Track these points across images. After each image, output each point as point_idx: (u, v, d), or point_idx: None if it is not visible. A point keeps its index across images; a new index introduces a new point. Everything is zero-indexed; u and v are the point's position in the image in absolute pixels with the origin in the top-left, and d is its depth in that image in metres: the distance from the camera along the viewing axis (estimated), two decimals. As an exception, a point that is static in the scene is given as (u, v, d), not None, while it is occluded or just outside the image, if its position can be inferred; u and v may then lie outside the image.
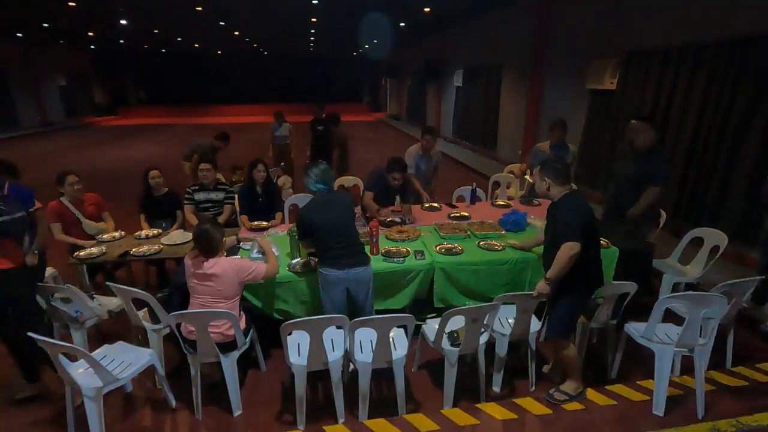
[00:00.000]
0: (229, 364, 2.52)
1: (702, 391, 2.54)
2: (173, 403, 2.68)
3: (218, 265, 2.48)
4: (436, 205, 4.46)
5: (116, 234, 3.83)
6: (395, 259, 3.11)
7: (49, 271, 3.57)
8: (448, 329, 2.59)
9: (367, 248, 3.06)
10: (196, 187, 4.11)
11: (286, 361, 2.49)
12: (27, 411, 2.70)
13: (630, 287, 2.70)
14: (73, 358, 2.35)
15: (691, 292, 2.57)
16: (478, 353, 2.64)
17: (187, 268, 2.55)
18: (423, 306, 3.18)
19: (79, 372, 2.33)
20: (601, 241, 3.38)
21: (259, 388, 2.87)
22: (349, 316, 2.44)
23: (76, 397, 2.42)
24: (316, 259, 3.11)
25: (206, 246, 2.48)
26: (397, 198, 4.25)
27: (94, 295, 3.14)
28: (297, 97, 25.73)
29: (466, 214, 4.09)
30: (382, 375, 2.85)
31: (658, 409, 2.54)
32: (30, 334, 2.20)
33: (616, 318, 2.89)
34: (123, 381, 2.39)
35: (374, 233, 3.16)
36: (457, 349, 2.56)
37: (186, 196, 4.09)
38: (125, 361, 2.49)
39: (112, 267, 3.96)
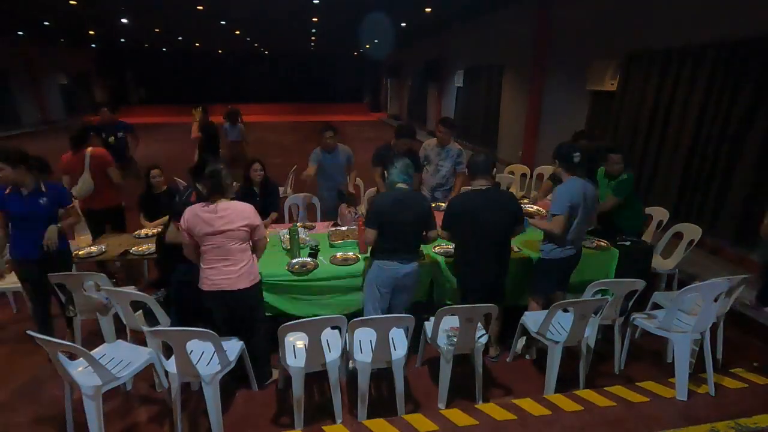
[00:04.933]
0: (211, 389, 2.35)
1: (711, 370, 2.69)
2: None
3: (225, 204, 2.50)
4: (442, 204, 4.45)
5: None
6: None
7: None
8: (445, 327, 2.61)
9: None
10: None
11: (282, 363, 2.49)
12: (26, 409, 2.71)
13: (639, 284, 2.74)
14: (72, 357, 2.35)
15: (711, 281, 2.64)
16: (475, 353, 2.65)
17: (193, 217, 2.48)
18: (424, 307, 3.18)
19: (79, 370, 2.33)
20: (601, 242, 3.41)
21: (252, 394, 2.84)
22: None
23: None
24: (315, 260, 3.11)
25: (216, 184, 2.47)
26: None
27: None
28: (297, 96, 25.76)
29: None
30: (382, 375, 2.85)
31: (682, 395, 2.63)
32: (30, 332, 2.20)
33: (623, 314, 2.95)
34: (122, 380, 2.39)
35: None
36: (453, 347, 2.57)
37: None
38: (124, 359, 2.48)
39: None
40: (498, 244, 2.81)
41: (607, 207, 3.53)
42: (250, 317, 2.71)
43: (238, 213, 2.52)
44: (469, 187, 2.86)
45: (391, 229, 2.69)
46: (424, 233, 2.81)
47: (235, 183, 2.66)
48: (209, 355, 2.46)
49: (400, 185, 2.74)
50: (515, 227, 2.83)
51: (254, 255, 2.67)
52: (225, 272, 2.51)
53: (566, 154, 2.82)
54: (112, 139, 5.36)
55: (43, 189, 2.93)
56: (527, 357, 3.18)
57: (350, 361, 2.61)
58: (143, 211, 4.08)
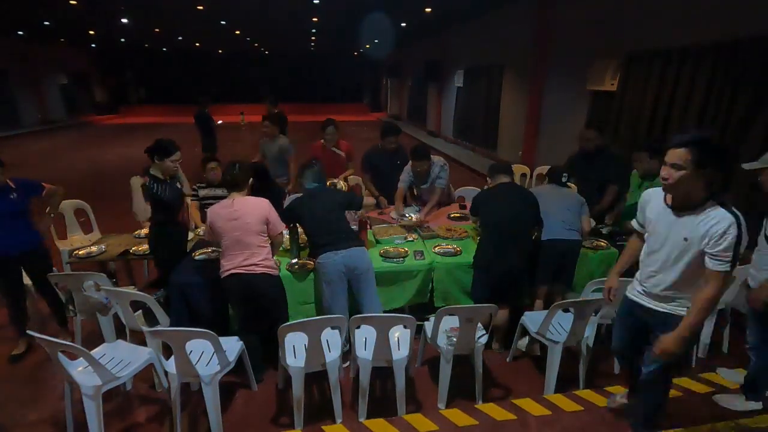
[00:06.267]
0: (211, 389, 2.35)
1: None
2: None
3: (241, 199, 2.65)
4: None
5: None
6: (394, 260, 3.12)
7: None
8: (445, 327, 2.61)
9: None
10: (203, 184, 4.07)
11: (282, 363, 2.49)
12: (26, 409, 2.70)
13: None
14: (72, 357, 2.35)
15: None
16: (475, 354, 2.65)
17: (213, 214, 2.63)
18: (425, 307, 3.19)
19: (79, 370, 2.33)
20: (600, 242, 3.41)
21: (252, 394, 2.84)
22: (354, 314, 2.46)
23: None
24: (314, 260, 3.11)
25: (231, 180, 2.66)
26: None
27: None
28: (297, 96, 25.75)
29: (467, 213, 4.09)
30: (382, 374, 2.85)
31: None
32: (30, 332, 2.21)
33: None
34: (122, 380, 2.39)
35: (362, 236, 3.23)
36: (452, 347, 2.57)
37: (192, 192, 4.07)
38: (125, 359, 2.49)
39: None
40: (515, 234, 2.87)
41: None
42: (274, 308, 2.77)
43: (252, 207, 2.61)
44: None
45: (313, 222, 2.87)
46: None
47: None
48: (209, 356, 2.46)
49: (311, 187, 3.01)
50: (535, 222, 2.98)
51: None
52: (244, 265, 2.61)
53: (557, 174, 3.24)
54: None
55: (12, 185, 2.92)
56: (537, 353, 3.16)
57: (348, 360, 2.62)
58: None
